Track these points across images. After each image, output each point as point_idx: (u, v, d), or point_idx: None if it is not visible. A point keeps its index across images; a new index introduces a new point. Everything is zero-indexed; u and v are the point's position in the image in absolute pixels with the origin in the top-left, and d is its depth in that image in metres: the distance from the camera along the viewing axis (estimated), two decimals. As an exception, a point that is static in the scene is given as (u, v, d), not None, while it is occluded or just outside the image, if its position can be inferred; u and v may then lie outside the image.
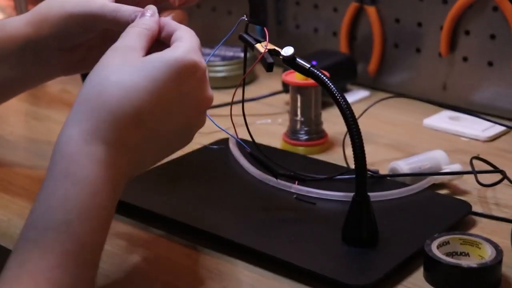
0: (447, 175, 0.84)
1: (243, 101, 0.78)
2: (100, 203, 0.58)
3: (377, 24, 1.14)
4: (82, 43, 0.79)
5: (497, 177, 0.84)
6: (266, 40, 0.73)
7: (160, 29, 0.67)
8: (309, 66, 0.71)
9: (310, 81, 0.85)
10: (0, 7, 1.66)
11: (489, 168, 0.86)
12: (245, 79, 0.74)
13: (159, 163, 0.69)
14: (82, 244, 0.56)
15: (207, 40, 1.31)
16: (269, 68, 0.72)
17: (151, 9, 0.68)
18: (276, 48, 0.73)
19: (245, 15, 0.75)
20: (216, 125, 0.76)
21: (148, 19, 0.67)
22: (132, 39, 0.64)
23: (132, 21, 0.69)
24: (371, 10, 1.14)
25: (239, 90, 0.76)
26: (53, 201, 0.57)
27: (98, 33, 0.77)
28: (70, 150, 0.58)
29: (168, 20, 0.67)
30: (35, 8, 0.78)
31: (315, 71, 0.71)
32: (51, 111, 1.07)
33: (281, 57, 0.73)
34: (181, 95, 0.62)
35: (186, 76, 0.62)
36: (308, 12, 1.23)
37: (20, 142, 1.00)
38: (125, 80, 0.60)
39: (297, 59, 0.72)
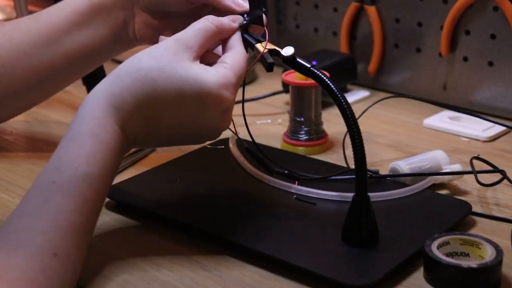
0: (447, 175, 0.84)
1: (243, 101, 0.77)
2: (115, 163, 0.67)
3: (377, 24, 1.14)
4: (171, 14, 0.84)
5: (497, 177, 0.84)
6: (266, 40, 0.73)
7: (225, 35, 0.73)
8: (309, 66, 0.71)
9: (310, 81, 0.85)
10: (0, 7, 1.66)
11: (489, 168, 0.86)
12: (245, 79, 0.74)
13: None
14: (98, 195, 0.65)
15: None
16: (269, 68, 0.72)
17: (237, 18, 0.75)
18: (276, 48, 0.73)
19: (245, 16, 0.75)
20: None
21: (220, 19, 0.73)
22: (188, 35, 0.70)
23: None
24: (371, 10, 1.14)
25: (239, 90, 0.76)
26: (79, 154, 0.65)
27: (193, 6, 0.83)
28: (97, 114, 0.67)
29: (235, 36, 0.74)
30: None
31: (316, 71, 0.71)
32: (51, 111, 1.07)
33: (281, 57, 0.73)
34: (200, 117, 0.69)
35: (211, 106, 0.69)
36: (308, 12, 1.23)
37: (20, 142, 1.00)
38: (161, 76, 0.67)
39: (297, 59, 0.72)
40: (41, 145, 0.98)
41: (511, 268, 0.69)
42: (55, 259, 0.60)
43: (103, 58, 0.90)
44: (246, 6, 0.77)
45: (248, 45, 0.75)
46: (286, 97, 1.09)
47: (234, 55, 0.71)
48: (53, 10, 0.87)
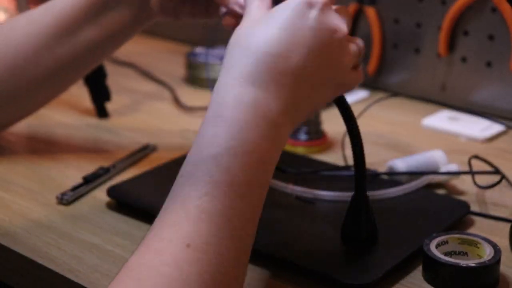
0: (444, 175, 0.84)
1: None
2: (249, 140, 0.59)
3: (376, 25, 1.14)
4: None
5: (495, 177, 0.85)
6: None
7: None
8: None
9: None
10: (2, 8, 1.66)
11: (488, 167, 0.87)
12: None
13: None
14: (232, 176, 0.58)
15: (207, 41, 1.32)
16: None
17: None
18: None
19: None
20: None
21: None
22: (255, 8, 0.65)
23: None
24: (370, 11, 1.14)
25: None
26: (203, 139, 0.60)
27: None
28: (221, 94, 0.61)
29: None
30: None
31: None
32: (52, 111, 1.07)
33: None
34: (310, 29, 0.63)
35: (305, 10, 0.63)
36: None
37: (20, 142, 1.00)
38: (257, 33, 0.62)
39: None
40: (42, 145, 0.98)
41: (509, 267, 0.69)
42: (188, 250, 0.54)
43: (126, 38, 0.90)
44: None
45: None
46: (286, 97, 1.10)
47: None
48: (66, 1, 0.86)
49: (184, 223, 0.56)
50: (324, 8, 0.64)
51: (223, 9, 0.77)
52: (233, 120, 0.59)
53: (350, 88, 0.68)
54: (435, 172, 0.84)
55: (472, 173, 0.84)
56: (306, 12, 0.63)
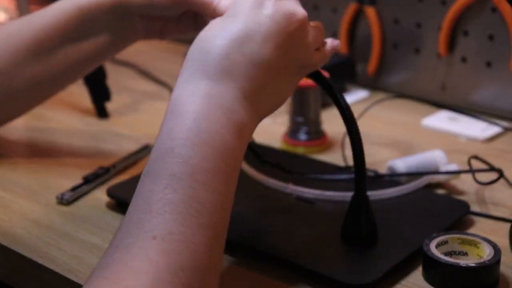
0: (444, 175, 0.84)
1: None
2: (204, 129, 0.59)
3: (376, 25, 1.14)
4: (164, 15, 0.85)
5: (494, 176, 0.85)
6: None
7: None
8: None
9: (310, 81, 0.85)
10: (2, 8, 1.67)
11: (487, 167, 0.87)
12: None
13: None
14: (191, 166, 0.57)
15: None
16: None
17: None
18: None
19: None
20: None
21: None
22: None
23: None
24: (370, 11, 1.14)
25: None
26: (161, 135, 0.61)
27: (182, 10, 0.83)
28: (176, 92, 0.62)
29: None
30: None
31: (315, 72, 0.71)
32: (52, 111, 1.07)
33: None
34: (268, 17, 0.64)
35: (261, 2, 0.64)
36: (308, 12, 1.22)
37: (20, 142, 1.00)
38: (216, 30, 0.63)
39: None
40: (42, 145, 0.98)
41: (509, 267, 0.69)
42: (155, 242, 0.54)
43: (105, 59, 0.90)
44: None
45: None
46: (286, 97, 1.10)
47: None
48: (45, 18, 0.86)
49: (149, 217, 0.55)
50: None
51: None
52: (188, 112, 0.60)
53: (314, 68, 0.69)
54: (436, 172, 0.84)
55: (472, 171, 0.84)
56: (262, 2, 0.64)
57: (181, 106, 0.60)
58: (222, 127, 0.60)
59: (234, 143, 0.61)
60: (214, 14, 0.76)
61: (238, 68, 0.62)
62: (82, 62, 0.87)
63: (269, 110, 0.67)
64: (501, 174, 0.83)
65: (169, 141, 0.59)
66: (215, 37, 0.63)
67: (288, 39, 0.64)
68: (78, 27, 0.85)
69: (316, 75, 0.71)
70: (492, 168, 0.84)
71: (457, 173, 0.84)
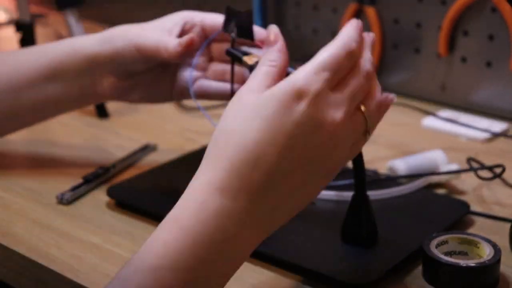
0: (444, 175, 0.84)
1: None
2: (197, 255, 0.55)
3: (376, 25, 1.14)
4: (136, 72, 0.83)
5: (492, 181, 0.85)
6: (253, 53, 0.72)
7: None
8: None
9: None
10: (3, 8, 1.67)
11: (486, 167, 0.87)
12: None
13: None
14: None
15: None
16: None
17: (273, 33, 0.65)
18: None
19: (233, 33, 0.75)
20: (213, 124, 0.76)
21: (275, 53, 0.62)
22: (256, 81, 0.59)
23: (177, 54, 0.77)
24: (370, 11, 1.14)
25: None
26: (152, 243, 0.57)
27: (153, 65, 0.83)
28: (185, 197, 0.58)
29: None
30: (105, 31, 0.84)
31: None
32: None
33: None
34: (295, 125, 0.56)
35: (293, 102, 0.56)
36: (308, 12, 1.23)
37: (20, 142, 1.00)
38: (239, 126, 0.57)
39: (288, 69, 0.73)
40: (42, 145, 0.98)
41: (509, 267, 0.69)
42: None
43: (70, 110, 0.89)
44: (185, 41, 0.78)
45: (236, 60, 0.73)
46: (286, 97, 1.10)
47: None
48: (21, 59, 0.85)
49: None
50: (316, 98, 0.56)
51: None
52: (189, 230, 0.55)
53: (340, 168, 0.61)
54: (437, 173, 0.84)
55: (474, 169, 0.84)
56: (293, 105, 0.56)
57: (186, 218, 0.56)
58: (219, 255, 0.56)
59: (226, 272, 0.57)
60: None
61: (257, 185, 0.56)
62: (47, 106, 0.86)
63: (284, 221, 0.61)
64: (503, 169, 0.83)
65: (155, 258, 0.55)
66: (238, 140, 0.56)
67: (312, 151, 0.57)
68: (46, 73, 0.83)
69: None
70: (493, 166, 0.84)
71: (457, 172, 0.84)
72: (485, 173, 0.86)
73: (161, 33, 0.81)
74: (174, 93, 0.86)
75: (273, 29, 0.66)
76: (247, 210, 0.56)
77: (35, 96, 0.84)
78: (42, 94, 0.84)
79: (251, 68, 0.68)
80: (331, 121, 0.57)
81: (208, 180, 0.57)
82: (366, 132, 0.62)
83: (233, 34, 0.74)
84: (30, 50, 0.87)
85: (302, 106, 0.56)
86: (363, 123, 0.61)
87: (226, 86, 0.82)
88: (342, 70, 0.59)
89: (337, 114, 0.58)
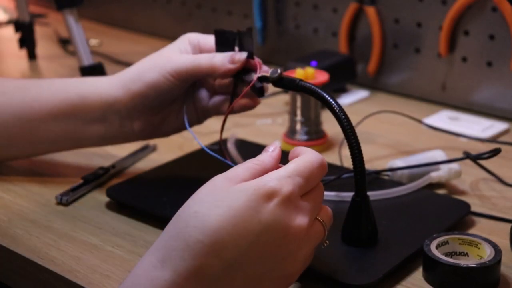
0: (445, 174, 0.84)
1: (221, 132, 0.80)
2: None
3: (376, 25, 1.14)
4: (162, 108, 0.82)
5: (493, 181, 0.86)
6: (255, 71, 0.78)
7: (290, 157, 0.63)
8: (297, 80, 0.74)
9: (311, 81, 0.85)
10: (2, 7, 1.67)
11: (486, 170, 0.87)
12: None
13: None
14: None
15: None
16: (259, 93, 0.78)
17: (274, 145, 0.65)
18: (263, 74, 0.77)
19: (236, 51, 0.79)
20: (200, 143, 0.79)
21: (266, 155, 0.63)
22: (234, 172, 0.61)
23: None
24: (370, 11, 1.14)
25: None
26: None
27: (174, 97, 0.82)
28: (137, 272, 0.58)
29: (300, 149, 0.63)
30: (123, 72, 0.84)
31: (304, 83, 0.73)
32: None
33: (269, 81, 0.76)
34: (260, 223, 0.57)
35: (262, 201, 0.58)
36: (308, 12, 1.23)
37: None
38: (203, 209, 0.58)
39: (284, 78, 0.75)
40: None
41: (509, 267, 0.69)
42: None
43: (94, 145, 0.88)
44: (242, 58, 0.78)
45: (236, 79, 0.80)
46: (286, 97, 1.10)
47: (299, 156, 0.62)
48: (42, 94, 0.83)
49: None
50: (286, 201, 0.58)
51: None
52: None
53: (297, 275, 0.62)
54: (436, 162, 0.84)
55: (472, 157, 0.84)
56: (262, 203, 0.58)
57: None
58: None
59: None
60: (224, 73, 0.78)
61: (211, 270, 0.56)
62: (63, 140, 0.85)
63: None
64: (498, 152, 0.84)
65: None
66: (197, 223, 0.57)
67: (274, 252, 0.58)
68: (73, 112, 0.82)
69: (306, 87, 0.72)
70: (492, 151, 0.85)
71: (456, 160, 0.84)
72: (483, 179, 0.86)
73: (186, 54, 0.81)
74: (199, 113, 0.85)
75: (276, 144, 0.65)
76: None
77: (53, 128, 0.83)
78: (60, 129, 0.83)
79: (252, 86, 0.76)
80: (297, 225, 0.59)
81: (162, 258, 0.57)
82: (324, 242, 0.63)
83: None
84: (53, 82, 0.85)
85: (271, 205, 0.58)
86: (322, 232, 0.63)
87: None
88: (314, 180, 0.61)
89: (303, 220, 0.59)
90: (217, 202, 0.58)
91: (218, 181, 0.60)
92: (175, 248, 0.57)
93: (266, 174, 0.60)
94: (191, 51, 0.81)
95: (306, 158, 0.61)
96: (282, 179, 0.59)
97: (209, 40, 0.82)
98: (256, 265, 0.58)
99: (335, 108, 0.68)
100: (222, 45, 0.80)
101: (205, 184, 0.61)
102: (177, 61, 0.79)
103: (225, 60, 0.78)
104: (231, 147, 0.90)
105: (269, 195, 0.58)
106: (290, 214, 0.59)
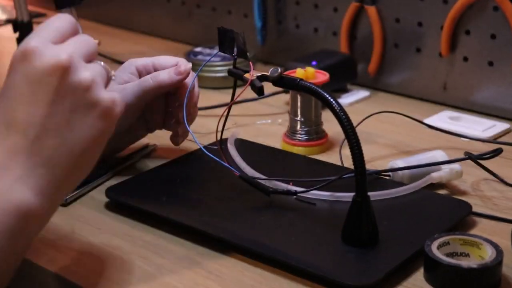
0: (445, 174, 0.83)
1: (222, 131, 0.81)
2: None
3: (377, 24, 1.14)
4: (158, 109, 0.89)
5: (494, 182, 0.86)
6: (251, 71, 0.78)
7: None
8: (297, 80, 0.73)
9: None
10: (1, 7, 1.66)
11: (485, 167, 0.86)
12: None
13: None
14: None
15: (207, 40, 1.32)
16: (259, 92, 0.77)
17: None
18: (264, 73, 0.77)
19: (234, 52, 0.79)
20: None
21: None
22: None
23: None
24: (371, 10, 1.14)
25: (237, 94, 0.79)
26: None
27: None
28: None
29: None
30: None
31: (304, 83, 0.73)
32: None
33: (269, 80, 0.76)
34: (23, 75, 0.59)
35: (21, 62, 0.59)
36: (308, 12, 1.23)
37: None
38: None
39: (284, 77, 0.74)
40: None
41: (511, 268, 0.69)
42: None
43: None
44: (188, 68, 0.85)
45: (238, 78, 0.79)
46: (286, 97, 1.09)
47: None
48: None
49: None
50: (39, 51, 0.59)
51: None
52: None
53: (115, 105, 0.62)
54: (437, 163, 0.84)
55: (473, 157, 0.84)
56: (22, 63, 0.59)
57: None
58: None
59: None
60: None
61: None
62: None
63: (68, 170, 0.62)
64: (500, 152, 0.84)
65: None
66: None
67: (56, 93, 0.59)
68: None
69: (306, 87, 0.71)
70: (492, 151, 0.84)
71: (457, 161, 0.84)
72: (486, 174, 0.86)
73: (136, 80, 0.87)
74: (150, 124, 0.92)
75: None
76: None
77: None
78: None
79: (252, 84, 0.76)
80: (58, 59, 0.59)
81: None
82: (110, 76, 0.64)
83: (234, 55, 0.79)
84: None
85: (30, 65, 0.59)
86: (100, 74, 0.62)
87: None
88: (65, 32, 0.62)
89: (63, 53, 0.59)
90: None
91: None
92: None
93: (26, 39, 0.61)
94: (137, 76, 0.87)
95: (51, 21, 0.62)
96: (34, 37, 0.60)
97: (151, 60, 0.88)
98: (49, 114, 0.59)
99: (336, 108, 0.68)
100: (224, 42, 0.80)
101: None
102: (124, 93, 0.83)
103: (171, 73, 0.84)
104: (231, 147, 0.90)
105: (26, 54, 0.59)
106: (47, 53, 0.59)
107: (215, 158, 0.80)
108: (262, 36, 1.28)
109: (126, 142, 0.92)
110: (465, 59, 1.08)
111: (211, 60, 1.16)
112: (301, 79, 0.73)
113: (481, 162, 0.85)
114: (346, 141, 0.69)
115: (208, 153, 0.80)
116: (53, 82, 0.59)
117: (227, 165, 0.79)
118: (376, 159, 0.92)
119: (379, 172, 0.85)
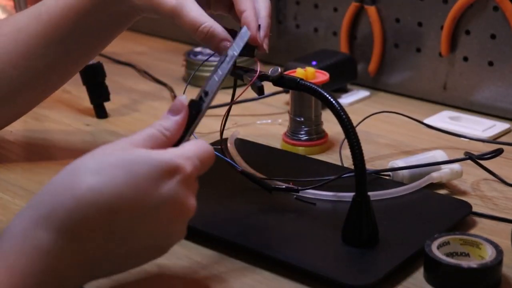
0: (445, 173, 0.83)
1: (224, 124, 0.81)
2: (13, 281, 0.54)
3: (377, 24, 1.14)
4: None
5: (494, 182, 0.85)
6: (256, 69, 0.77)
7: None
8: (297, 79, 0.73)
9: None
10: (1, 6, 1.66)
11: (485, 167, 0.86)
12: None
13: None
14: None
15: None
16: (259, 91, 0.76)
17: (180, 103, 0.64)
18: (264, 73, 0.76)
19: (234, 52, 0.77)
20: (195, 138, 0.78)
21: (173, 122, 0.63)
22: (137, 137, 0.61)
23: None
24: (371, 10, 1.14)
25: (238, 94, 0.80)
26: None
27: None
28: (14, 221, 0.57)
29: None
30: None
31: (305, 82, 0.73)
32: (50, 111, 1.07)
33: (270, 80, 0.76)
34: (160, 198, 0.58)
35: (164, 178, 0.58)
36: (308, 11, 1.23)
37: (19, 142, 1.00)
38: (99, 168, 0.56)
39: (284, 77, 0.74)
40: (41, 145, 0.98)
41: (511, 268, 0.69)
42: None
43: (116, 35, 0.89)
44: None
45: (238, 77, 0.78)
46: (286, 97, 1.09)
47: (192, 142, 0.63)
48: (54, 8, 0.84)
49: None
50: (187, 179, 0.59)
51: None
52: (8, 262, 0.54)
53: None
54: (437, 163, 0.84)
55: (474, 157, 0.84)
56: (164, 178, 0.58)
57: (7, 245, 0.55)
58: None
59: None
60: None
61: (93, 234, 0.56)
62: (96, 42, 0.87)
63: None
64: (501, 152, 0.84)
65: None
66: (89, 181, 0.55)
67: (166, 227, 0.59)
68: (90, 13, 0.83)
69: (307, 86, 0.72)
70: (492, 152, 0.84)
71: (457, 161, 0.84)
72: (486, 174, 0.86)
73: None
74: None
75: (181, 99, 0.64)
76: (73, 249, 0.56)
77: (82, 37, 0.85)
78: (88, 33, 0.85)
79: (252, 85, 0.76)
80: (191, 205, 0.60)
81: (45, 215, 0.55)
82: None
83: (235, 53, 0.75)
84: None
85: (173, 181, 0.58)
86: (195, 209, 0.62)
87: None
88: (205, 166, 0.62)
89: (194, 200, 0.61)
90: (115, 161, 0.57)
91: (117, 143, 0.60)
92: (62, 205, 0.55)
93: (171, 149, 0.61)
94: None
95: (203, 144, 0.62)
96: (186, 158, 0.60)
97: None
98: (142, 238, 0.58)
99: (336, 108, 0.68)
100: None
101: (106, 145, 0.60)
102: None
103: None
104: (231, 146, 0.90)
105: (173, 171, 0.58)
106: (187, 194, 0.60)
107: (217, 153, 0.79)
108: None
109: None
110: (465, 59, 1.08)
111: (210, 59, 1.16)
112: (301, 79, 0.73)
113: (481, 162, 0.85)
114: (346, 141, 0.69)
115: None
116: (169, 218, 0.59)
117: (229, 160, 0.79)
118: (376, 159, 0.92)
119: (379, 172, 0.85)
